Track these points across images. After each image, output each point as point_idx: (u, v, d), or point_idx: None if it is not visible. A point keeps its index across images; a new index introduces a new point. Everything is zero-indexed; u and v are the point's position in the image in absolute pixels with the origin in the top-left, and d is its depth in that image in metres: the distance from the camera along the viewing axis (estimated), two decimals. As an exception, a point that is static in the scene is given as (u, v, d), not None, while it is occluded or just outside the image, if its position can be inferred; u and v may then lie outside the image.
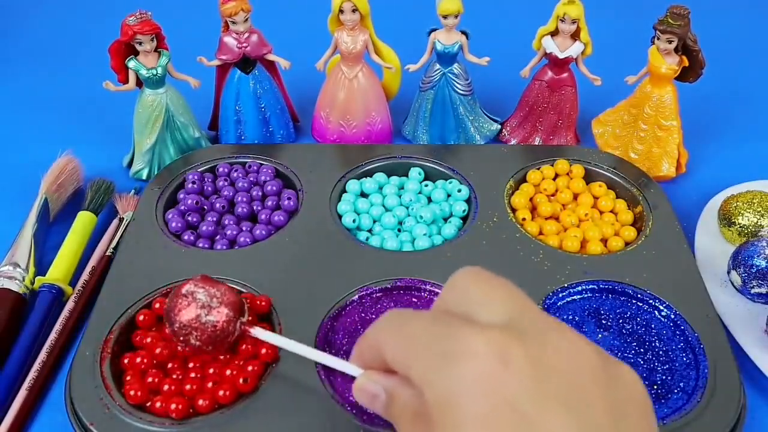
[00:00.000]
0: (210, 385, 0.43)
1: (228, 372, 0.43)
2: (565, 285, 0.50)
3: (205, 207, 0.57)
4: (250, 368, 0.44)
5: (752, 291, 0.51)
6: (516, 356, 0.26)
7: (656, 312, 0.49)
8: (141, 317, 0.47)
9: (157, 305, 0.48)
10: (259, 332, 0.43)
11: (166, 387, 0.43)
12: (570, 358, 0.27)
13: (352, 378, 0.34)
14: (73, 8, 0.92)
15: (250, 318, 0.44)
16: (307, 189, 0.58)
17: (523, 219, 0.56)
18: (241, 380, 0.43)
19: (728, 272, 0.53)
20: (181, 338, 0.42)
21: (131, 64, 0.59)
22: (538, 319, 0.28)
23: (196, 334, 0.42)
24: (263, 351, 0.44)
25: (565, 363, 0.26)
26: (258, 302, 0.48)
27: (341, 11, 0.60)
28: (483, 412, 0.25)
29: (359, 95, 0.65)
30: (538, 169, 0.61)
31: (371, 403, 0.33)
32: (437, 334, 0.28)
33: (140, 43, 0.58)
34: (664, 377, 0.45)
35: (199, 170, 0.60)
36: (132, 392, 0.43)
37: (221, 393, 0.42)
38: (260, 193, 0.58)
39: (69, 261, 0.54)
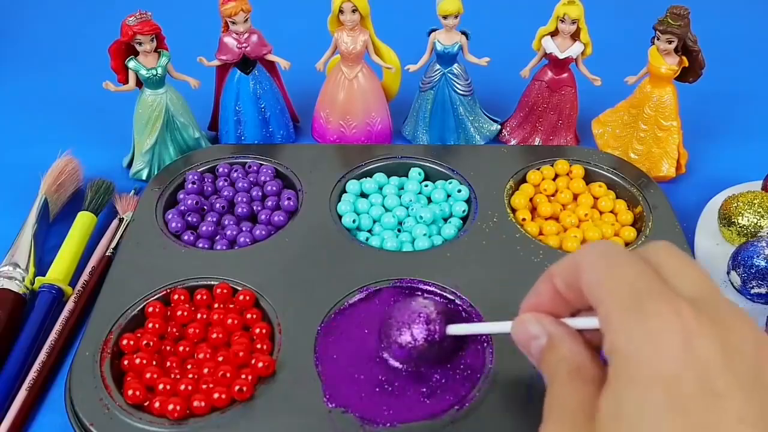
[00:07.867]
0: (205, 387, 0.43)
1: (220, 374, 0.43)
2: (565, 285, 0.50)
3: (205, 207, 0.57)
4: (243, 376, 0.43)
5: (752, 291, 0.51)
6: (705, 331, 0.26)
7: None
8: (125, 341, 0.46)
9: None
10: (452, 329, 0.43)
11: (161, 386, 0.43)
12: (753, 344, 0.27)
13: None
14: (73, 8, 0.92)
15: None
16: (307, 189, 0.58)
17: (523, 219, 0.56)
18: (236, 388, 0.42)
19: (728, 272, 0.53)
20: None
21: (131, 64, 0.59)
22: (724, 304, 0.29)
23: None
24: (260, 365, 0.43)
25: (748, 348, 0.27)
26: (242, 297, 0.48)
27: (341, 11, 0.60)
28: (670, 373, 0.26)
29: (359, 96, 0.65)
30: (538, 169, 0.61)
31: (526, 343, 0.33)
32: (642, 283, 0.29)
33: (140, 44, 0.58)
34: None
35: (199, 170, 0.60)
36: (131, 392, 0.42)
37: (216, 396, 0.42)
38: (260, 194, 0.58)
39: (69, 261, 0.54)
